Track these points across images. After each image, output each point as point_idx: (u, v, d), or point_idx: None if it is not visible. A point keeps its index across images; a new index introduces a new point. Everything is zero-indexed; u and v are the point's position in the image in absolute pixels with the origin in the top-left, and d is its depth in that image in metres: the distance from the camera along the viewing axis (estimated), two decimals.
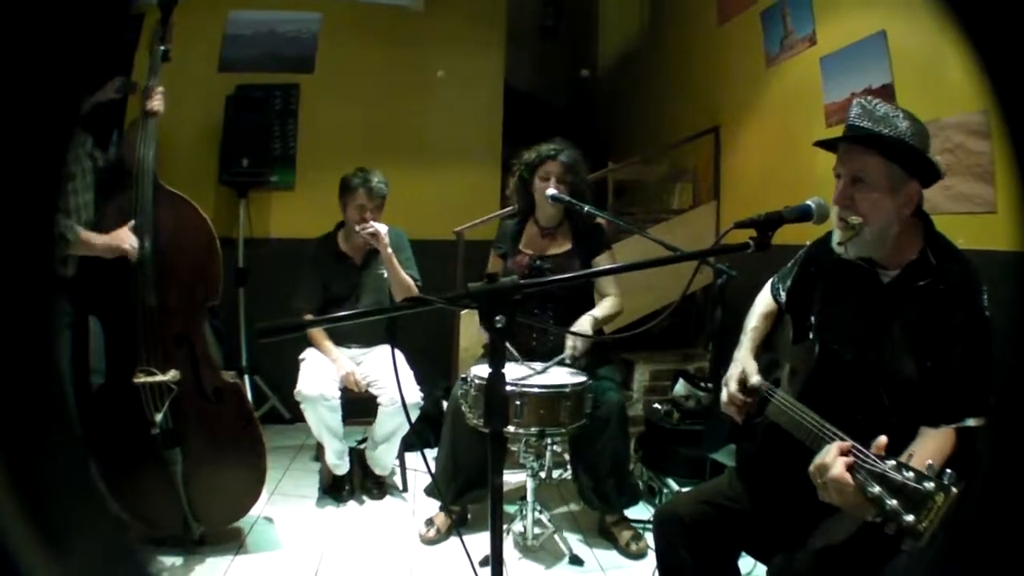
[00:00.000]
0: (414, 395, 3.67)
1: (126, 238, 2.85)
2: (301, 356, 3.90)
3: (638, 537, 3.39)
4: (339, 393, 3.69)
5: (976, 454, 1.66)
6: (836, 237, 1.93)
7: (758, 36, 4.76)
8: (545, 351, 3.40)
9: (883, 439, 1.54)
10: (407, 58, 5.59)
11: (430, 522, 3.52)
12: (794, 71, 4.42)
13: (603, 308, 3.44)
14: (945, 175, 1.92)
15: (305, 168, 5.41)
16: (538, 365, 3.23)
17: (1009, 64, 0.90)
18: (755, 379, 2.11)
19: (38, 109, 0.84)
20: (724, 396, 2.17)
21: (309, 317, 3.94)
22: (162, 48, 3.01)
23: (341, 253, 4.00)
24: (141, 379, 2.86)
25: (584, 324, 3.31)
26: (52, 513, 0.90)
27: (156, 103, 2.99)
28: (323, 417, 3.63)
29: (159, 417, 2.88)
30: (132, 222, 2.88)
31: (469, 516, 3.63)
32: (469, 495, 3.46)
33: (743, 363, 2.19)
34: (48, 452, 0.96)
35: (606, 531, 3.51)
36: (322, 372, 3.73)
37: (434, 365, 4.84)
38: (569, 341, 3.27)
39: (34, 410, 0.91)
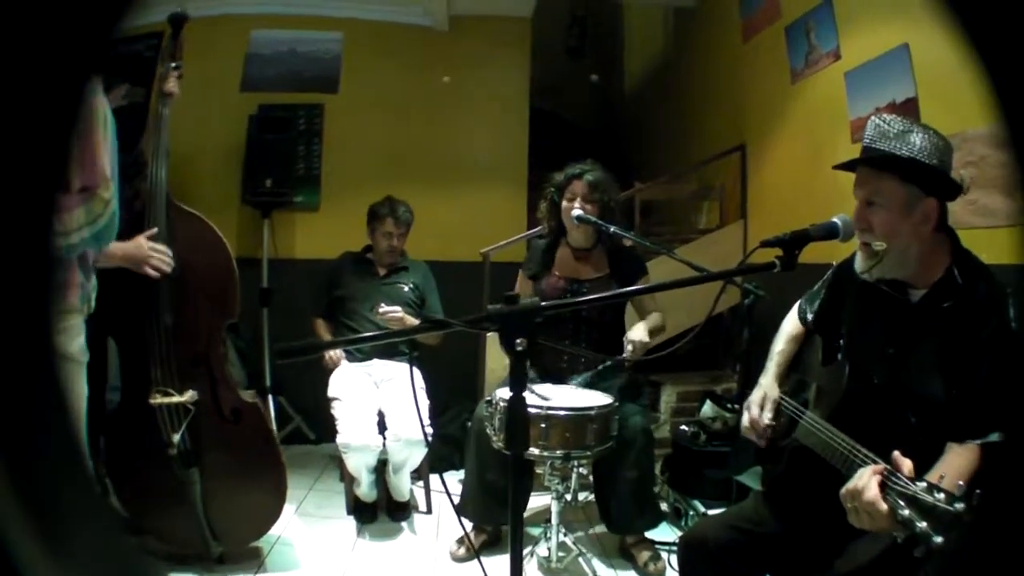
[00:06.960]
0: (416, 432, 3.58)
1: (145, 251, 2.74)
2: (331, 394, 3.87)
3: (656, 557, 3.34)
4: (381, 440, 3.64)
5: (1001, 470, 1.62)
6: (859, 261, 1.91)
7: (783, 52, 4.74)
8: (576, 374, 3.37)
9: (896, 453, 1.52)
10: (432, 78, 5.60)
11: (461, 541, 3.50)
12: (819, 86, 4.39)
13: (651, 320, 3.39)
14: (967, 189, 1.89)
15: (330, 189, 5.43)
16: (555, 388, 3.23)
17: (1014, 76, 0.88)
18: (767, 416, 2.12)
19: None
20: (745, 420, 2.17)
21: (327, 337, 3.99)
22: (173, 65, 2.97)
23: (368, 260, 4.16)
24: (158, 400, 2.85)
25: (640, 329, 3.26)
26: (53, 516, 0.89)
27: (171, 84, 2.93)
28: (367, 461, 3.65)
29: (176, 438, 2.87)
30: (152, 230, 2.80)
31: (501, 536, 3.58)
32: (496, 516, 3.43)
33: (766, 388, 2.19)
34: (48, 455, 0.95)
35: (625, 551, 3.48)
36: (361, 416, 3.69)
37: (460, 387, 4.82)
38: (628, 345, 3.18)
39: (34, 411, 0.90)
